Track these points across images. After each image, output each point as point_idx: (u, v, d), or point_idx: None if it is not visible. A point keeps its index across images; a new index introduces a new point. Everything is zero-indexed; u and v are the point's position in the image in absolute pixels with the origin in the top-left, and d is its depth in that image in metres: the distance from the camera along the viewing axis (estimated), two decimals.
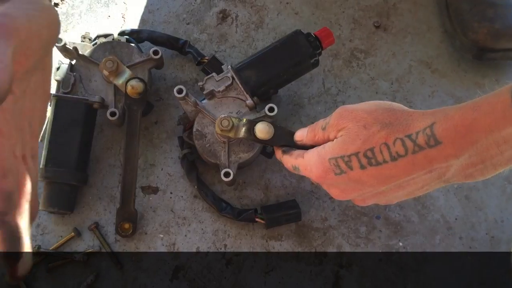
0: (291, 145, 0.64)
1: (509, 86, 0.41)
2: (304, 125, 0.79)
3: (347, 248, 0.74)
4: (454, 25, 0.82)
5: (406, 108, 0.52)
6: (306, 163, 0.58)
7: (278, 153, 0.65)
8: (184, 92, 0.70)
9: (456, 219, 0.76)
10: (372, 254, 0.74)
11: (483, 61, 0.82)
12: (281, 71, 0.73)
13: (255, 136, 0.65)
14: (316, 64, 0.74)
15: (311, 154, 0.58)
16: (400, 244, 0.75)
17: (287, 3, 0.88)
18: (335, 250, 0.74)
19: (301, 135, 0.62)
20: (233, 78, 0.72)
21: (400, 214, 0.76)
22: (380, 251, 0.74)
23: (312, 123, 0.79)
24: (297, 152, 0.61)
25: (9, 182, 0.40)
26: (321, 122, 0.59)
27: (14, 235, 0.42)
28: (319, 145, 0.58)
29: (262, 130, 0.65)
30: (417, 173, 0.49)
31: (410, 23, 0.86)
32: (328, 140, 0.57)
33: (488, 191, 0.77)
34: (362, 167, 0.51)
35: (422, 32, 0.86)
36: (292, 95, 0.82)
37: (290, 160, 0.62)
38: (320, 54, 0.73)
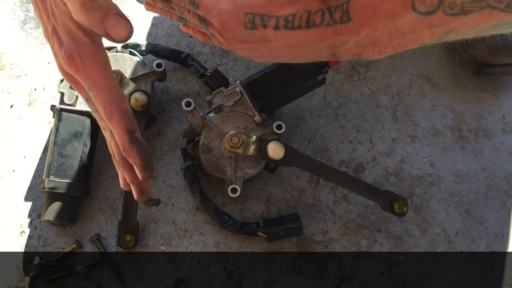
0: (303, 168, 0.68)
1: None
2: (306, 138, 0.80)
3: (348, 261, 0.75)
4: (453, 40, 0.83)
5: None
6: (212, 5, 0.49)
7: None
8: (193, 106, 0.71)
9: (456, 233, 0.76)
10: (373, 267, 0.74)
11: (482, 76, 0.83)
12: (289, 88, 0.74)
13: (266, 155, 0.67)
14: (323, 82, 0.75)
15: None
16: (401, 257, 0.75)
17: None
18: (336, 263, 0.75)
19: None
20: (241, 94, 0.72)
21: (401, 228, 0.76)
22: (381, 264, 0.74)
23: (314, 136, 0.81)
24: None
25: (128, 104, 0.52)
26: None
27: (146, 149, 0.52)
28: None
29: (275, 150, 0.66)
30: (318, 44, 0.49)
31: None
32: None
33: (488, 205, 0.78)
34: (277, 27, 0.48)
35: (422, 47, 0.87)
36: (293, 108, 0.83)
37: None
38: (326, 72, 0.74)
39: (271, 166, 0.75)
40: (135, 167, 0.53)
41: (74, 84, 0.53)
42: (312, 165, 0.71)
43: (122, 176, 0.58)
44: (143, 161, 0.52)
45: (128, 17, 0.48)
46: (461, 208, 0.78)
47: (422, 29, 0.44)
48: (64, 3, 0.46)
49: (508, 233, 0.76)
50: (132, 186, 0.57)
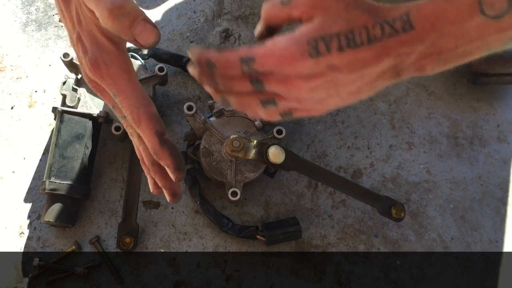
0: (303, 172, 0.69)
1: None
2: (304, 143, 0.81)
3: (345, 266, 0.76)
4: None
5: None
6: (271, 49, 0.47)
7: (207, 54, 0.49)
8: (194, 109, 0.72)
9: (452, 238, 0.77)
10: (370, 272, 0.75)
11: (477, 86, 0.85)
12: None
13: (267, 159, 0.67)
14: None
15: (277, 38, 0.48)
16: (398, 262, 0.76)
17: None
18: (334, 268, 0.75)
19: (258, 27, 0.53)
20: None
21: (398, 233, 0.77)
22: (378, 269, 0.75)
23: (312, 141, 0.82)
24: (247, 46, 0.50)
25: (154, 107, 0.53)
26: None
27: (177, 150, 0.52)
28: (276, 23, 0.51)
29: (276, 154, 0.67)
30: (385, 59, 0.48)
31: None
32: (290, 18, 0.50)
33: (483, 211, 0.79)
34: (340, 48, 0.47)
35: None
36: None
37: (236, 54, 0.49)
38: None
39: (271, 170, 0.76)
40: (167, 169, 0.53)
41: (100, 91, 0.53)
42: (311, 170, 0.72)
43: (152, 180, 0.57)
44: (176, 161, 0.52)
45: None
46: (456, 214, 0.79)
47: (490, 34, 0.43)
48: (91, 11, 0.47)
49: (502, 239, 0.77)
50: (164, 190, 0.57)
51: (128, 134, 0.56)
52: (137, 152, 0.57)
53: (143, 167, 0.57)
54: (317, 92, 0.51)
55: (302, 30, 0.47)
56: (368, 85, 0.50)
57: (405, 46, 0.47)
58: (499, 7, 0.42)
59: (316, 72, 0.48)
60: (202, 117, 0.73)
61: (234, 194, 0.70)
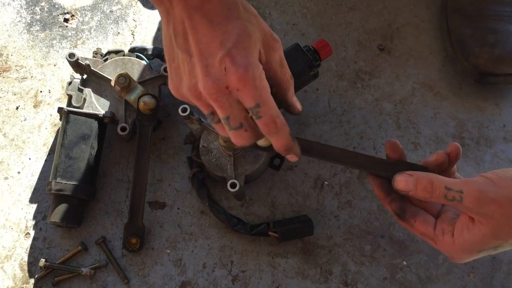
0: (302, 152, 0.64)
1: None
2: None
3: (352, 266, 0.75)
4: (456, 50, 0.84)
5: None
6: (441, 248, 0.58)
7: (388, 208, 0.62)
8: (188, 111, 0.72)
9: None
10: (377, 272, 0.75)
11: (484, 85, 0.85)
12: None
13: (255, 144, 0.65)
14: (316, 75, 0.75)
15: (448, 242, 0.57)
16: (404, 263, 0.76)
17: (294, 24, 0.90)
18: (340, 268, 0.75)
19: (405, 184, 0.57)
20: None
21: (404, 233, 0.77)
22: (385, 269, 0.75)
23: (319, 142, 0.81)
24: (422, 228, 0.59)
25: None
26: (444, 180, 0.56)
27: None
28: (429, 200, 0.56)
29: (265, 139, 0.64)
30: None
31: (413, 47, 0.89)
32: (450, 205, 0.57)
33: None
34: (510, 245, 0.55)
35: (425, 56, 0.88)
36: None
37: (414, 232, 0.61)
38: (319, 65, 0.75)
39: (276, 163, 0.75)
40: (292, 156, 0.59)
41: (218, 101, 0.53)
42: (305, 146, 0.64)
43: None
44: (300, 151, 0.60)
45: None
46: None
47: None
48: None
49: None
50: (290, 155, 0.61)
51: (236, 142, 0.57)
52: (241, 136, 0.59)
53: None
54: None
55: (470, 241, 0.54)
56: None
57: None
58: None
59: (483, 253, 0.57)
60: (197, 117, 0.72)
61: (233, 185, 0.70)
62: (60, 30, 0.88)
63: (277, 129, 0.55)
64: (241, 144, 0.58)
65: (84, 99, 0.76)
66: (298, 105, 0.63)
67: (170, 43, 0.55)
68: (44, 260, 0.72)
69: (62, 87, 0.83)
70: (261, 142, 0.64)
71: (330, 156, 0.65)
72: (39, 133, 0.81)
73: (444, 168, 0.61)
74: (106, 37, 0.87)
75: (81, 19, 0.89)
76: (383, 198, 0.61)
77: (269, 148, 0.64)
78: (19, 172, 0.78)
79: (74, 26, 0.88)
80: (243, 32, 0.52)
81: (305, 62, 0.74)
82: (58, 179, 0.72)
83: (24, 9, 0.89)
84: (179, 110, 0.72)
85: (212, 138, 0.73)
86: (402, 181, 0.57)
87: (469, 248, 0.55)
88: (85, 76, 0.78)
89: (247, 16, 0.54)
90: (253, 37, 0.53)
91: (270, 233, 0.73)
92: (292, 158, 0.60)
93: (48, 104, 0.82)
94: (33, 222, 0.76)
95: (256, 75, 0.51)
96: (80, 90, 0.76)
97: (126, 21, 0.88)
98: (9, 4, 0.89)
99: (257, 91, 0.52)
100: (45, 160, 0.79)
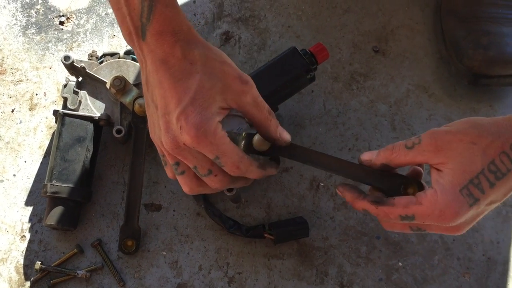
0: (293, 158, 0.64)
1: None
2: (305, 145, 0.81)
3: (348, 268, 0.76)
4: (450, 51, 0.85)
5: (489, 118, 0.53)
6: (431, 209, 0.52)
7: (363, 204, 0.58)
8: None
9: (453, 240, 0.78)
10: (372, 273, 0.75)
11: (478, 87, 0.85)
12: (279, 87, 0.75)
13: (253, 148, 0.65)
14: (313, 79, 0.76)
15: (431, 195, 0.52)
16: (400, 264, 0.76)
17: (289, 26, 0.90)
18: (336, 269, 0.75)
19: (369, 154, 0.59)
20: None
21: (400, 235, 0.77)
22: (380, 270, 0.76)
23: (313, 143, 0.82)
24: (403, 200, 0.55)
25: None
26: (403, 142, 0.56)
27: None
28: (396, 165, 0.56)
29: (260, 141, 0.64)
30: None
31: (407, 49, 0.89)
32: (414, 162, 0.55)
33: None
34: (492, 185, 0.50)
35: (419, 58, 0.89)
36: (293, 116, 0.84)
37: (396, 211, 0.55)
38: (315, 69, 0.75)
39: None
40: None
41: (181, 155, 0.55)
42: (301, 154, 0.65)
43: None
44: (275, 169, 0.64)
45: None
46: None
47: None
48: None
49: (504, 241, 0.78)
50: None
51: (210, 185, 0.59)
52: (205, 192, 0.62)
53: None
54: (470, 224, 0.56)
55: (448, 181, 0.51)
56: None
57: None
58: None
59: (478, 213, 0.53)
60: None
61: (229, 189, 0.70)
62: (56, 33, 0.88)
63: (243, 172, 0.57)
64: (218, 188, 0.60)
65: (80, 102, 0.76)
66: (285, 136, 0.61)
67: (145, 91, 0.57)
68: (40, 262, 0.72)
69: (58, 89, 0.83)
70: (258, 147, 0.65)
71: (325, 165, 0.66)
72: (35, 136, 0.81)
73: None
74: (102, 40, 0.87)
75: (76, 22, 0.89)
76: (357, 197, 0.59)
77: (267, 152, 0.65)
78: (14, 175, 0.78)
79: (70, 29, 0.88)
80: (202, 87, 0.52)
81: (302, 65, 0.74)
82: (54, 182, 0.72)
83: (20, 12, 0.89)
84: None
85: None
86: (367, 153, 0.60)
87: (452, 192, 0.51)
88: (80, 79, 0.78)
89: (210, 65, 0.54)
90: (213, 90, 0.53)
91: (265, 235, 0.73)
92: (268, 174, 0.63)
93: (44, 106, 0.82)
94: (29, 225, 0.76)
95: (209, 131, 0.52)
96: (76, 93, 0.76)
97: None
98: (4, 7, 0.89)
99: (213, 146, 0.53)
100: (41, 163, 0.79)
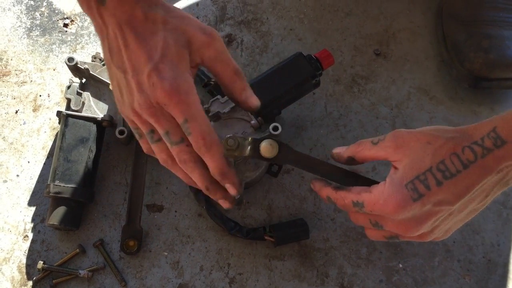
0: (298, 166, 0.65)
1: None
2: (307, 147, 0.82)
3: (348, 269, 0.76)
4: (451, 54, 0.85)
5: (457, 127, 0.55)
6: (377, 197, 0.54)
7: (326, 190, 0.61)
8: None
9: (454, 242, 0.78)
10: (373, 275, 0.76)
11: (479, 90, 0.86)
12: (284, 92, 0.75)
13: (260, 154, 0.66)
14: (318, 84, 0.76)
15: (381, 186, 0.54)
16: (400, 265, 0.76)
17: (291, 29, 0.91)
18: (336, 271, 0.76)
19: (339, 149, 0.62)
20: None
21: None
22: (381, 272, 0.76)
23: (315, 146, 0.82)
24: (359, 188, 0.57)
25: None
26: (371, 138, 0.58)
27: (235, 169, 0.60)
28: (361, 158, 0.58)
29: (267, 148, 0.65)
30: (487, 178, 0.50)
31: (409, 52, 0.90)
32: (376, 157, 0.57)
33: (485, 215, 0.79)
34: (439, 183, 0.51)
35: (421, 61, 0.89)
36: (295, 118, 0.84)
37: (349, 196, 0.58)
38: (321, 74, 0.76)
39: (274, 170, 0.76)
40: (231, 187, 0.59)
41: (154, 117, 0.54)
42: (307, 162, 0.67)
43: (221, 198, 0.63)
44: (239, 180, 0.60)
45: None
46: None
47: None
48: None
49: (504, 243, 0.78)
50: (223, 201, 0.62)
51: (179, 159, 0.57)
52: (187, 179, 0.61)
53: (208, 193, 0.61)
54: (438, 227, 0.55)
55: (398, 176, 0.53)
56: (481, 201, 0.54)
57: (503, 161, 0.49)
58: None
59: (425, 212, 0.52)
60: None
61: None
62: (60, 35, 0.89)
63: (207, 147, 0.55)
64: (186, 162, 0.57)
65: (83, 103, 0.77)
66: (253, 101, 0.59)
67: (108, 62, 0.56)
68: (42, 262, 0.73)
69: (61, 91, 0.84)
70: (265, 153, 0.65)
71: (332, 176, 0.67)
72: (38, 137, 0.81)
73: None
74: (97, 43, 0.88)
75: (80, 24, 0.89)
76: (323, 185, 0.62)
77: (275, 159, 0.65)
78: (18, 175, 0.79)
79: (74, 31, 0.89)
80: (167, 43, 0.52)
81: (307, 71, 0.75)
82: (57, 182, 0.72)
83: (24, 14, 0.90)
84: None
85: None
86: (339, 147, 0.63)
87: (398, 184, 0.52)
88: (84, 80, 0.79)
89: (172, 22, 0.54)
90: (178, 44, 0.52)
91: (266, 237, 0.74)
92: (229, 190, 0.59)
93: (47, 108, 0.83)
94: (32, 225, 0.76)
95: (182, 88, 0.51)
96: (79, 94, 0.77)
97: None
98: (9, 9, 0.90)
99: (184, 105, 0.52)
100: (44, 163, 0.80)
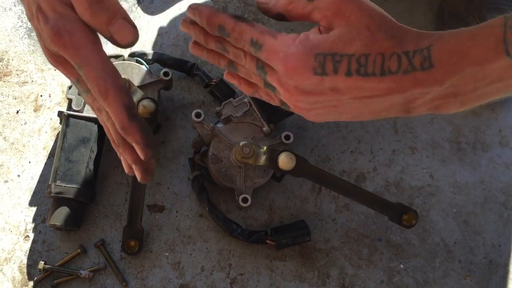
0: (312, 179, 0.69)
1: (501, 19, 0.40)
2: (308, 148, 0.82)
3: (349, 270, 0.76)
4: None
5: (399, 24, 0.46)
6: (279, 47, 0.46)
7: (222, 17, 0.48)
8: (202, 117, 0.72)
9: (455, 242, 0.78)
10: (374, 276, 0.76)
11: None
12: None
13: (277, 165, 0.67)
14: None
15: (290, 39, 0.46)
16: (401, 266, 0.76)
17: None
18: (338, 271, 0.76)
19: None
20: (250, 104, 0.74)
21: (401, 237, 0.78)
22: (382, 273, 0.76)
23: (316, 146, 0.82)
24: (264, 27, 0.48)
25: (123, 81, 0.48)
26: None
27: (146, 126, 0.48)
28: (292, 16, 0.49)
29: (286, 161, 0.66)
30: (395, 95, 0.44)
31: None
32: (309, 17, 0.48)
33: (486, 216, 0.80)
34: (349, 73, 0.44)
35: None
36: (296, 118, 0.84)
37: (250, 32, 0.47)
38: None
39: (277, 175, 0.76)
40: (136, 146, 0.48)
41: (61, 65, 0.49)
42: (321, 178, 0.71)
43: (125, 159, 0.54)
44: (144, 138, 0.48)
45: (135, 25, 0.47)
46: (459, 218, 0.79)
47: (511, 76, 0.40)
48: None
49: (505, 244, 0.78)
50: (134, 167, 0.53)
51: (94, 110, 0.51)
52: (105, 130, 0.54)
53: (114, 147, 0.54)
54: (315, 108, 0.49)
55: (315, 41, 0.45)
56: (370, 113, 0.48)
57: (420, 87, 0.43)
58: None
59: (317, 90, 0.46)
60: (211, 124, 0.73)
61: (245, 200, 0.71)
62: None
63: (102, 95, 0.46)
64: (97, 112, 0.51)
65: (85, 103, 0.77)
66: (125, 34, 0.46)
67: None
68: (43, 262, 0.73)
69: (62, 91, 0.84)
70: (282, 165, 0.67)
71: (341, 190, 0.72)
72: (39, 137, 0.81)
73: None
74: (106, 42, 0.87)
75: None
76: (215, 11, 0.49)
77: (290, 171, 0.67)
78: (19, 175, 0.79)
79: None
80: None
81: None
82: (58, 182, 0.72)
83: (25, 14, 0.90)
84: (193, 115, 0.72)
85: (222, 146, 0.74)
86: None
87: (309, 48, 0.45)
88: None
89: None
90: None
91: (267, 241, 0.74)
92: (133, 137, 0.47)
93: (48, 108, 0.83)
94: (33, 225, 0.76)
95: (62, 31, 0.45)
96: (80, 94, 0.76)
97: None
98: (10, 9, 0.90)
99: (71, 49, 0.45)
100: (45, 164, 0.80)
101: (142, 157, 0.49)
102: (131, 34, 0.46)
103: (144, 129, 0.48)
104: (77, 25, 0.45)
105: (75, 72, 0.48)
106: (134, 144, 0.48)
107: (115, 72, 0.47)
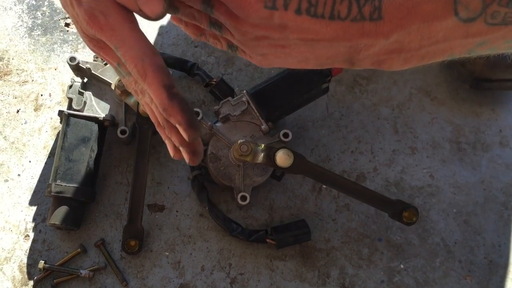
0: (311, 176, 0.69)
1: None
2: (308, 148, 0.82)
3: (350, 269, 0.76)
4: None
5: None
6: None
7: None
8: (201, 116, 0.72)
9: (455, 242, 0.78)
10: (374, 275, 0.76)
11: (480, 91, 0.86)
12: (294, 97, 0.76)
13: (274, 163, 0.67)
14: (326, 90, 0.77)
15: None
16: (402, 266, 0.76)
17: None
18: (338, 271, 0.76)
19: None
20: (248, 103, 0.74)
21: (401, 237, 0.78)
22: (382, 272, 0.76)
23: (316, 146, 0.82)
24: None
25: (162, 59, 0.45)
26: None
27: (189, 105, 0.46)
28: None
29: (283, 158, 0.66)
30: (340, 43, 0.43)
31: None
32: None
33: (486, 216, 0.80)
34: (298, 11, 0.43)
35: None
36: (296, 118, 0.84)
37: None
38: (329, 81, 0.76)
39: (277, 173, 0.76)
40: (179, 127, 0.46)
41: (101, 49, 0.47)
42: (320, 174, 0.71)
43: (171, 143, 0.52)
44: (187, 117, 0.45)
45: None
46: (459, 218, 0.79)
47: (456, 37, 0.40)
48: None
49: (505, 244, 0.78)
50: (182, 149, 0.51)
51: (135, 94, 0.50)
52: (149, 114, 0.52)
53: (159, 131, 0.53)
54: (262, 45, 0.47)
55: None
56: (316, 59, 0.47)
57: (367, 37, 0.42)
58: (473, 9, 0.38)
59: (265, 24, 0.44)
60: (209, 123, 0.73)
61: (243, 198, 0.71)
62: (61, 34, 0.88)
63: (141, 75, 0.44)
64: (137, 95, 0.49)
65: (85, 102, 0.77)
66: (154, 5, 0.44)
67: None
68: (43, 262, 0.73)
69: (63, 90, 0.84)
70: (280, 162, 0.67)
71: (342, 187, 0.73)
72: (40, 136, 0.81)
73: None
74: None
75: None
76: None
77: (287, 168, 0.67)
78: (19, 175, 0.79)
79: (75, 30, 0.89)
80: None
81: (317, 78, 0.75)
82: (58, 182, 0.72)
83: (26, 13, 0.90)
84: None
85: (221, 145, 0.74)
86: None
87: None
88: (85, 80, 0.79)
89: None
90: None
91: (268, 240, 0.74)
92: (175, 117, 0.45)
93: (49, 107, 0.83)
94: (33, 224, 0.76)
95: (96, 13, 0.44)
96: (81, 93, 0.77)
97: None
98: (11, 8, 0.90)
99: (107, 31, 0.44)
100: (45, 163, 0.80)
101: (186, 138, 0.47)
102: (160, 5, 0.44)
103: (186, 109, 0.45)
104: (111, 5, 0.44)
105: (115, 56, 0.46)
106: (177, 125, 0.46)
107: (153, 51, 0.45)
